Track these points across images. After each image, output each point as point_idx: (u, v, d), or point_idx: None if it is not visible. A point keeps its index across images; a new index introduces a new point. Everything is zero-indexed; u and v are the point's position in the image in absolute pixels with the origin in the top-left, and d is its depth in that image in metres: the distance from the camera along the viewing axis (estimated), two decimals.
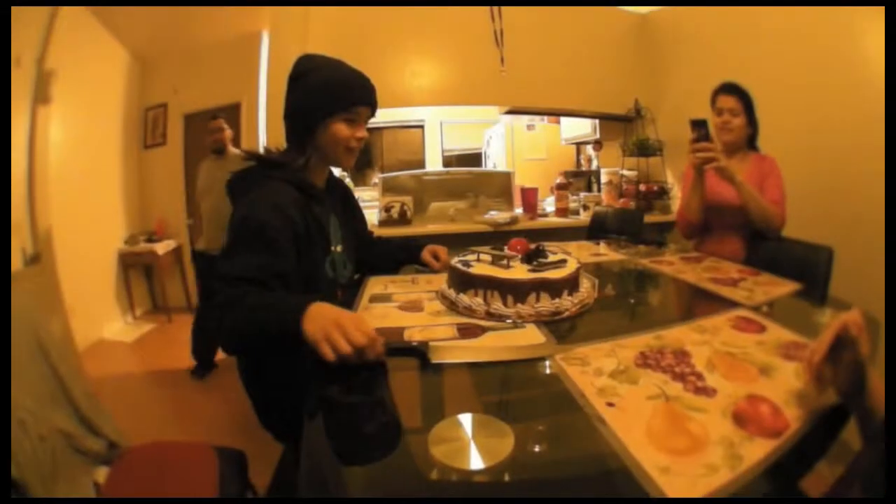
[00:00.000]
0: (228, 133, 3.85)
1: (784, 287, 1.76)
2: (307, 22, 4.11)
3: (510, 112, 4.93)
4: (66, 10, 3.87)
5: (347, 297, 1.70)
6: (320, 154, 1.64)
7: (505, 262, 1.58)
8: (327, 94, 1.56)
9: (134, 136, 5.72)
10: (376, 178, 6.61)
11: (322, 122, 1.57)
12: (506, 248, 1.70)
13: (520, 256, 1.64)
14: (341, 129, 1.58)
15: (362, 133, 1.63)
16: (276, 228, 1.37)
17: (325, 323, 1.07)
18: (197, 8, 4.98)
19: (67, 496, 1.55)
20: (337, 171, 2.10)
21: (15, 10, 3.14)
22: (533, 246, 1.70)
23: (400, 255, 2.16)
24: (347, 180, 4.40)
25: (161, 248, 5.47)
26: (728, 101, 2.40)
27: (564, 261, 1.62)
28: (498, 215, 3.85)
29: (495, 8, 4.14)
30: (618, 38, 4.67)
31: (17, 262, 3.26)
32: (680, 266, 2.14)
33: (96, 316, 4.97)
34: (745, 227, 2.37)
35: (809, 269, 1.95)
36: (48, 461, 1.55)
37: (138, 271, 5.63)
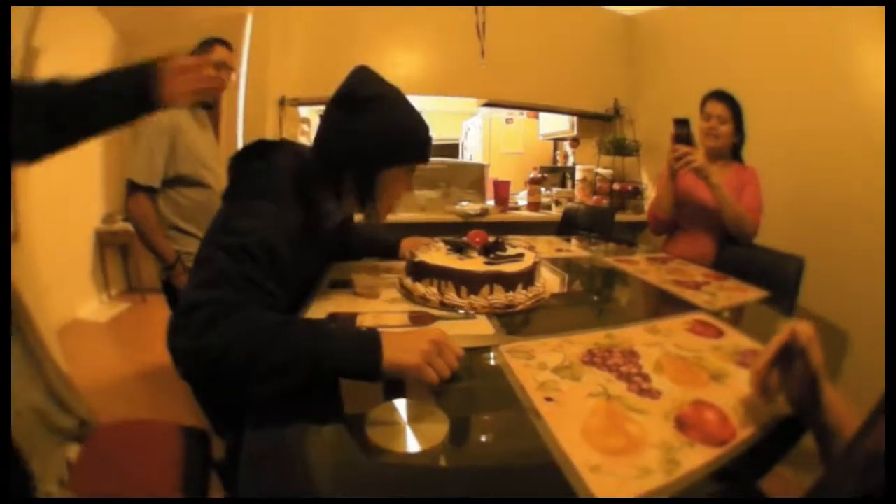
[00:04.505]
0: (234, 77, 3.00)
1: (749, 294, 1.75)
2: (289, 8, 4.09)
3: (488, 105, 4.87)
4: None
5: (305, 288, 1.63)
6: (360, 200, 1.42)
7: (462, 252, 1.57)
8: (404, 144, 1.37)
9: None
10: None
11: (385, 171, 1.37)
12: (465, 238, 1.68)
13: (477, 248, 1.62)
14: (403, 184, 1.44)
15: (412, 188, 1.50)
16: (283, 262, 1.14)
17: (420, 348, 0.94)
18: None
19: (40, 471, 1.53)
20: None
21: None
22: (492, 239, 1.67)
23: (376, 248, 2.07)
24: None
25: None
26: (717, 108, 2.39)
27: (522, 255, 1.61)
28: (469, 206, 3.85)
29: (479, 7, 4.10)
30: (601, 38, 4.66)
31: None
32: (644, 266, 2.13)
33: (72, 295, 4.89)
34: (717, 229, 2.36)
35: (779, 278, 1.95)
36: (24, 437, 1.53)
37: (114, 251, 5.52)
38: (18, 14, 3.50)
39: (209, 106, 2.62)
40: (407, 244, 2.01)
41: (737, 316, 1.52)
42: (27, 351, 1.73)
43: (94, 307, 5.13)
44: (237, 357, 0.88)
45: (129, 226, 5.15)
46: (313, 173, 1.35)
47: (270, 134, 3.91)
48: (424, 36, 4.30)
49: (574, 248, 2.58)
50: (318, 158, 1.37)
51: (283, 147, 1.39)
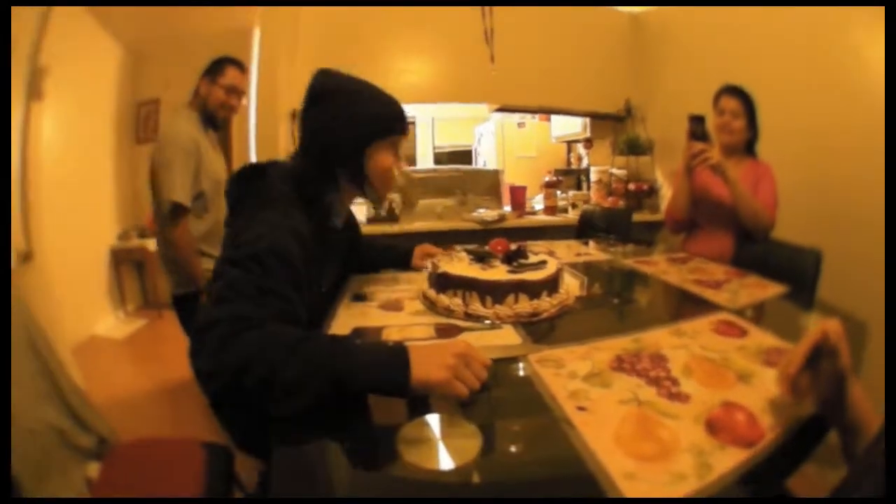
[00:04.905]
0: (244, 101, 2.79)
1: (770, 290, 1.75)
2: (297, 20, 4.11)
3: (500, 110, 4.90)
4: (60, 8, 3.81)
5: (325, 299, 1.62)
6: (356, 184, 1.48)
7: (484, 262, 1.58)
8: (375, 120, 1.43)
9: (126, 130, 5.67)
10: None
11: (366, 150, 1.43)
12: (487, 247, 1.69)
13: (500, 257, 1.63)
14: (387, 157, 1.46)
15: (403, 165, 1.54)
16: (297, 265, 1.14)
17: (447, 363, 0.93)
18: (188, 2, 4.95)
19: (60, 490, 1.55)
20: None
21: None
22: (513, 246, 1.68)
23: (390, 258, 2.10)
24: None
25: (153, 244, 5.35)
26: (731, 103, 2.39)
27: (545, 262, 1.61)
28: (486, 213, 3.84)
29: (486, 6, 4.12)
30: (609, 37, 4.66)
31: (14, 258, 3.17)
32: (665, 267, 2.13)
33: (88, 312, 4.93)
34: (734, 225, 2.36)
35: (797, 272, 1.94)
36: (39, 455, 1.55)
37: (130, 267, 5.57)
38: (22, 33, 3.49)
39: (217, 127, 2.62)
40: (419, 251, 2.07)
41: (758, 313, 1.53)
42: (43, 369, 1.76)
43: (110, 324, 5.17)
44: (256, 375, 0.86)
45: (145, 242, 5.29)
46: (308, 176, 1.40)
47: (284, 149, 3.91)
48: (432, 43, 4.33)
49: (593, 252, 2.58)
50: (306, 161, 1.43)
51: (275, 163, 1.44)
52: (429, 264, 1.68)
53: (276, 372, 0.86)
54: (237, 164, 3.14)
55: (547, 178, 4.34)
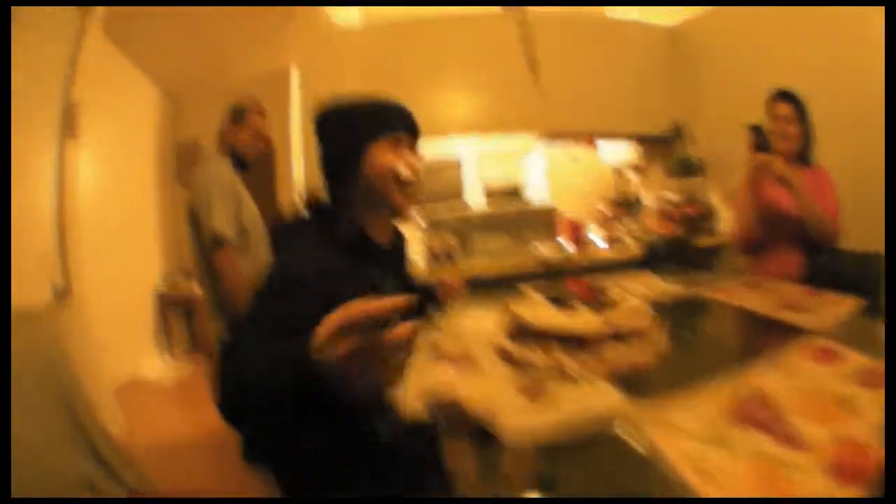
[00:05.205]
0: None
1: (847, 305, 1.71)
2: (336, 57, 4.18)
3: (547, 138, 4.86)
4: (90, 43, 3.85)
5: None
6: (370, 199, 1.38)
7: (564, 305, 1.52)
8: (362, 120, 1.38)
9: (168, 171, 5.78)
10: (415, 213, 6.52)
11: (362, 154, 1.36)
12: (564, 289, 1.65)
13: (582, 300, 1.57)
14: (385, 154, 1.36)
15: (414, 160, 1.41)
16: (304, 287, 1.12)
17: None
18: (225, 44, 5.08)
19: None
20: None
21: (38, 41, 3.29)
22: (593, 286, 1.64)
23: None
24: None
25: (198, 287, 5.34)
26: (784, 109, 2.34)
27: (630, 303, 1.55)
28: (545, 251, 3.78)
29: (526, 31, 4.11)
30: (647, 55, 4.63)
31: (45, 293, 3.29)
32: (742, 293, 2.05)
33: (132, 353, 4.96)
34: (801, 238, 2.29)
35: (864, 280, 1.87)
36: (64, 494, 1.55)
37: (177, 312, 5.58)
38: (53, 67, 3.58)
39: (246, 168, 2.69)
40: (445, 285, 1.90)
41: (843, 331, 1.48)
42: (73, 419, 1.77)
43: (156, 366, 5.16)
44: (251, 397, 0.86)
45: (192, 285, 5.25)
46: (331, 204, 1.41)
47: None
48: (474, 74, 4.35)
49: (667, 285, 2.51)
50: (329, 194, 1.42)
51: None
52: (512, 311, 1.53)
53: (263, 385, 0.85)
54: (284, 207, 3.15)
55: (602, 209, 4.28)
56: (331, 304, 0.80)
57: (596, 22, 4.71)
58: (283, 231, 1.43)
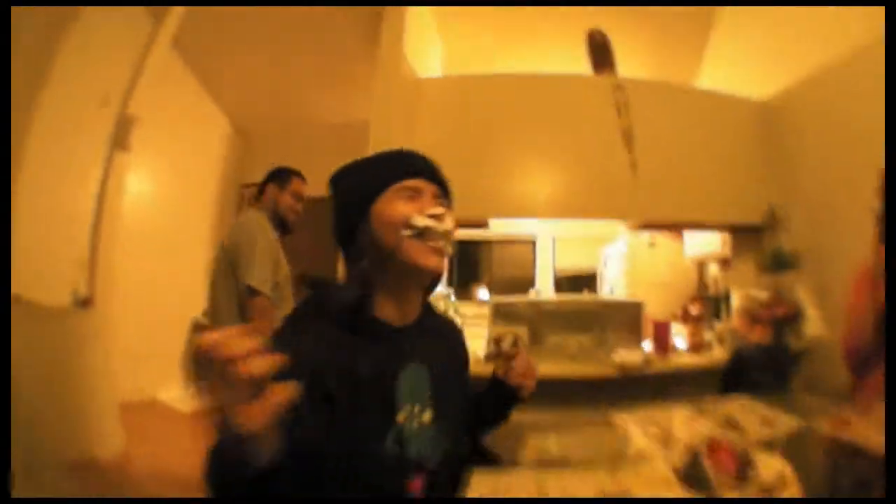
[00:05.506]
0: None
1: None
2: (412, 115, 3.94)
3: (640, 227, 4.39)
4: (157, 55, 3.95)
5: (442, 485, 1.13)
6: (381, 262, 1.12)
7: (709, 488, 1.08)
8: (370, 171, 1.19)
9: (229, 208, 5.99)
10: (481, 293, 6.17)
11: (369, 209, 1.13)
12: (702, 457, 1.19)
13: (733, 473, 1.12)
14: (393, 203, 1.12)
15: (435, 209, 1.12)
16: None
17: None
18: (305, 90, 5.28)
19: None
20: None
21: (103, 49, 3.46)
22: (738, 454, 1.20)
23: (489, 404, 1.39)
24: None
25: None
26: None
27: (775, 469, 1.13)
28: (627, 355, 3.21)
29: (621, 97, 3.79)
30: (740, 132, 4.25)
31: (64, 298, 3.41)
32: (866, 429, 1.50)
33: (155, 374, 5.03)
34: None
35: None
36: None
37: None
38: (114, 79, 3.68)
39: (287, 231, 2.79)
40: (518, 371, 1.33)
41: None
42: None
43: (176, 394, 5.16)
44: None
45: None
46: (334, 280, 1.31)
47: None
48: (564, 149, 3.98)
49: (783, 416, 2.04)
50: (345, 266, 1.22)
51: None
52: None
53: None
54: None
55: (690, 308, 3.80)
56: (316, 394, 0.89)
57: (684, 93, 4.45)
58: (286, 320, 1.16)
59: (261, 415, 0.68)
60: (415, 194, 1.14)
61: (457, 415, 1.24)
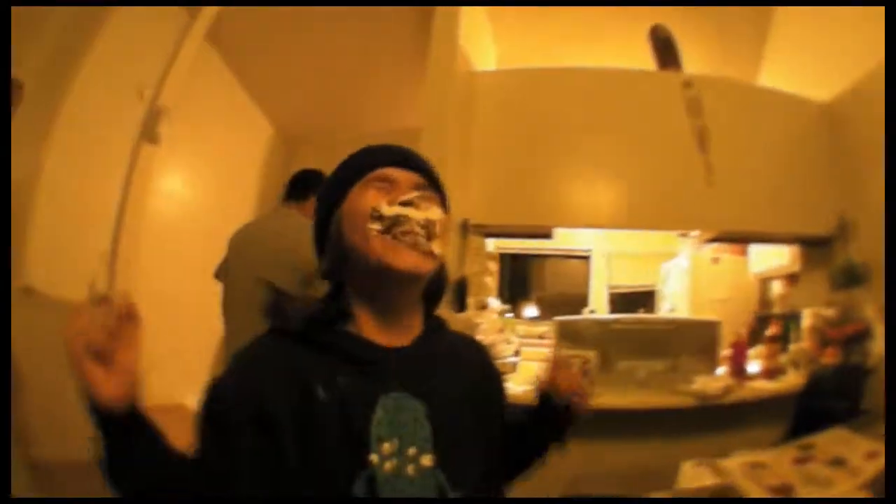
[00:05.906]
0: None
1: None
2: (468, 123, 3.80)
3: (709, 240, 4.21)
4: (190, 47, 3.87)
5: None
6: (358, 272, 0.97)
7: None
8: (342, 169, 1.05)
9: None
10: (528, 310, 5.99)
11: (338, 215, 0.99)
12: None
13: None
14: (362, 196, 0.96)
15: (407, 194, 0.96)
16: (226, 410, 0.90)
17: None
18: (355, 98, 5.19)
19: None
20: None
21: (138, 38, 3.45)
22: None
23: (527, 427, 1.19)
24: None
25: None
26: None
27: None
28: (708, 382, 2.95)
29: (693, 94, 3.61)
30: (807, 135, 4.03)
31: (78, 291, 3.28)
32: None
33: (181, 378, 4.49)
34: None
35: None
36: None
37: None
38: (147, 70, 3.62)
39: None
40: (558, 381, 1.15)
41: None
42: None
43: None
44: None
45: None
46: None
47: (452, 261, 3.34)
48: (632, 151, 3.80)
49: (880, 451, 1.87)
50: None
51: None
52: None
53: None
54: None
55: (768, 330, 3.59)
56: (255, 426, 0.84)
57: (754, 92, 4.28)
58: None
59: (114, 385, 0.73)
60: (387, 185, 0.98)
61: (475, 459, 0.99)
